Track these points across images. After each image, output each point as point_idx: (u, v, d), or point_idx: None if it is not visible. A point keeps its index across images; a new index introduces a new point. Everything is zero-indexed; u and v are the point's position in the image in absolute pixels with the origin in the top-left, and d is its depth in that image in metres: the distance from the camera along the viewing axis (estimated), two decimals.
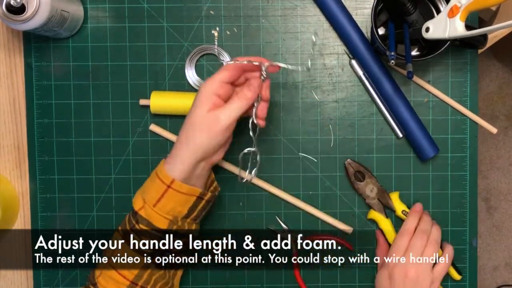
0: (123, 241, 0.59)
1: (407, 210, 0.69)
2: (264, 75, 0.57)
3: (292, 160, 0.70)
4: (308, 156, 0.70)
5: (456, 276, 0.69)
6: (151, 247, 0.59)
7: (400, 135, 0.69)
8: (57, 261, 0.71)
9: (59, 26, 0.64)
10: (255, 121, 0.58)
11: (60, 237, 0.71)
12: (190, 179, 0.58)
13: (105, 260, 0.60)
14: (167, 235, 0.59)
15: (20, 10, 0.59)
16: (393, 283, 0.62)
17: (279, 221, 0.70)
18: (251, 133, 0.58)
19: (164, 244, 0.59)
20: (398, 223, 0.70)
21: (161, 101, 0.67)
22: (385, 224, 0.69)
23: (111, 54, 0.70)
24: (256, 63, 0.57)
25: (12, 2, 0.58)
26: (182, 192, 0.57)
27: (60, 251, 0.71)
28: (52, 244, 0.71)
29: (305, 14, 0.69)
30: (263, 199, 0.70)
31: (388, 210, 0.69)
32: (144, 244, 0.59)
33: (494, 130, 0.70)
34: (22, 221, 0.72)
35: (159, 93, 0.68)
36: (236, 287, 0.71)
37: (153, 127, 0.69)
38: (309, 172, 0.70)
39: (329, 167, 0.70)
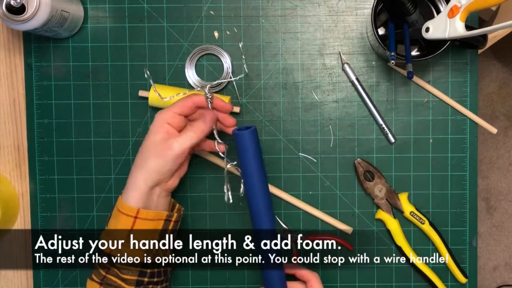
0: (100, 287, 0.59)
1: (415, 211, 0.69)
2: (209, 96, 0.59)
3: (292, 160, 0.70)
4: (308, 156, 0.70)
5: (462, 279, 0.69)
6: (134, 285, 0.59)
7: (393, 140, 0.69)
8: (57, 261, 0.71)
9: (59, 26, 0.64)
10: (216, 149, 0.62)
11: (60, 237, 0.71)
12: (150, 207, 0.59)
13: None
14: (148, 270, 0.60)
15: (20, 10, 0.59)
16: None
17: (279, 221, 0.70)
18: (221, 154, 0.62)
19: (145, 275, 0.60)
20: (405, 223, 0.70)
21: (160, 94, 0.67)
22: (393, 224, 0.69)
23: (111, 54, 0.70)
24: (209, 95, 0.60)
25: (12, 2, 0.58)
26: (150, 219, 0.58)
27: (60, 251, 0.71)
28: (52, 244, 0.71)
29: (305, 14, 0.69)
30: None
31: (396, 211, 0.69)
32: (126, 282, 0.59)
33: (494, 130, 0.71)
34: (22, 221, 0.72)
35: (159, 86, 0.68)
36: (236, 287, 0.71)
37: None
38: (309, 172, 0.70)
39: (329, 167, 0.70)
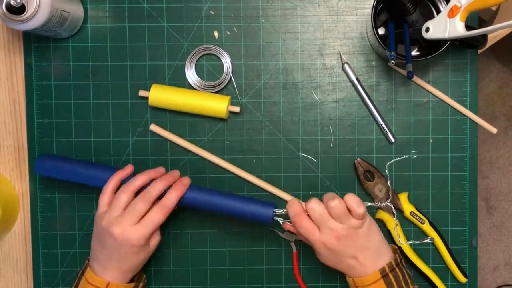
0: None
1: (415, 211, 0.69)
2: None
3: (292, 160, 0.70)
4: (308, 156, 0.70)
5: (462, 279, 0.69)
6: None
7: (393, 140, 0.69)
8: (57, 261, 0.71)
9: (59, 26, 0.64)
10: None
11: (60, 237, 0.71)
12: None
13: None
14: None
15: (20, 10, 0.59)
16: (334, 251, 0.58)
17: (279, 220, 0.70)
18: None
19: None
20: (405, 224, 0.70)
21: (160, 94, 0.67)
22: (393, 224, 0.69)
23: (111, 54, 0.70)
24: None
25: (12, 2, 0.58)
26: None
27: (60, 252, 0.71)
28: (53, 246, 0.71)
29: (305, 14, 0.69)
30: (263, 199, 0.70)
31: (396, 211, 0.69)
32: None
33: (494, 130, 0.71)
34: (22, 221, 0.72)
35: (159, 86, 0.68)
36: (236, 287, 0.71)
37: (153, 127, 0.69)
38: (309, 172, 0.70)
39: (329, 167, 0.70)
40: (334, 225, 0.57)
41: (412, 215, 0.69)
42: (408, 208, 0.69)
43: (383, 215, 0.69)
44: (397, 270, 0.59)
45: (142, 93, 0.68)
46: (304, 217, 0.58)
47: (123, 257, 0.58)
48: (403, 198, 0.69)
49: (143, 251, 0.60)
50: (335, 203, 0.57)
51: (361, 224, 0.58)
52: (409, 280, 0.59)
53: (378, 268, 0.58)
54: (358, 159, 0.69)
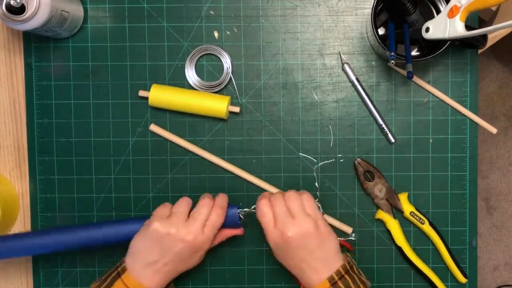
0: None
1: (415, 211, 0.69)
2: None
3: (292, 160, 0.70)
4: (308, 156, 0.70)
5: (462, 279, 0.69)
6: None
7: (393, 140, 0.69)
8: (57, 261, 0.71)
9: (59, 26, 0.64)
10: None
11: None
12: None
13: None
14: None
15: (20, 10, 0.59)
16: (296, 245, 0.59)
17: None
18: None
19: None
20: (405, 224, 0.70)
21: (160, 94, 0.67)
22: (393, 224, 0.69)
23: (111, 54, 0.70)
24: None
25: (12, 2, 0.58)
26: None
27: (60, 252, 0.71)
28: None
29: (305, 14, 0.69)
30: None
31: (396, 211, 0.69)
32: None
33: (494, 130, 0.71)
34: (22, 221, 0.72)
35: (159, 86, 0.68)
36: (236, 287, 0.71)
37: (153, 127, 0.69)
38: (309, 172, 0.70)
39: (329, 167, 0.70)
40: (288, 221, 0.58)
41: (412, 215, 0.69)
42: (408, 208, 0.69)
43: (383, 215, 0.69)
44: (347, 277, 0.58)
45: (142, 93, 0.68)
46: (266, 203, 0.60)
47: (183, 260, 0.61)
48: (403, 198, 0.69)
49: (202, 254, 0.63)
50: (292, 197, 0.59)
51: (313, 226, 0.58)
52: (361, 286, 0.58)
53: (327, 276, 0.58)
54: (358, 159, 0.69)
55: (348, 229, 0.69)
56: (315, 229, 0.58)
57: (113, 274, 0.60)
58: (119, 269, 0.60)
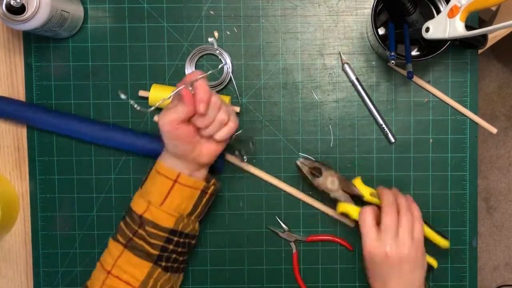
0: (124, 249, 0.58)
1: (374, 191, 0.66)
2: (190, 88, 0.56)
3: (292, 160, 0.70)
4: (308, 156, 0.70)
5: (444, 243, 0.66)
6: (159, 250, 0.58)
7: (393, 140, 0.69)
8: (57, 261, 0.71)
9: (59, 26, 0.64)
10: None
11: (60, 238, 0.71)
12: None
13: (104, 270, 0.59)
14: (174, 237, 0.59)
15: (20, 10, 0.59)
16: (377, 265, 0.58)
17: (279, 221, 0.70)
18: None
19: (171, 242, 0.59)
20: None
21: (160, 94, 0.67)
22: (357, 214, 0.64)
23: (111, 54, 0.70)
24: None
25: (12, 2, 0.58)
26: (189, 185, 0.58)
27: (60, 252, 0.71)
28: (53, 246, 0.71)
29: (305, 14, 0.69)
30: (263, 199, 0.70)
31: (356, 199, 0.66)
32: (152, 246, 0.58)
33: (494, 130, 0.71)
34: (22, 221, 0.72)
35: (159, 86, 0.68)
36: (236, 287, 0.71)
37: (157, 118, 0.69)
38: None
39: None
40: (392, 238, 0.57)
41: (373, 196, 0.65)
42: (366, 190, 0.66)
43: (345, 207, 0.65)
44: None
45: (142, 93, 0.68)
46: (371, 212, 0.60)
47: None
48: (358, 182, 0.66)
49: (164, 134, 0.58)
50: (406, 217, 0.59)
51: (414, 252, 0.58)
52: None
53: None
54: (300, 159, 0.65)
55: (350, 223, 0.69)
56: (415, 254, 0.58)
57: (149, 170, 0.61)
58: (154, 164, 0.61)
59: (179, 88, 0.55)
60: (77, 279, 0.71)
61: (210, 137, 0.59)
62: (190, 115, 0.56)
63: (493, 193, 1.60)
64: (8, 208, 0.69)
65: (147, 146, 0.67)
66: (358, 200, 0.66)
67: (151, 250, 0.58)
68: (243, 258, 0.71)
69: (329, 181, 0.65)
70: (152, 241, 0.58)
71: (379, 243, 0.58)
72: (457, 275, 0.71)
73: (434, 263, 0.66)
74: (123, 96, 0.56)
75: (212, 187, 0.61)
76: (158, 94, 0.67)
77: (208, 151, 0.60)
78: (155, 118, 0.68)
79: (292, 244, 0.70)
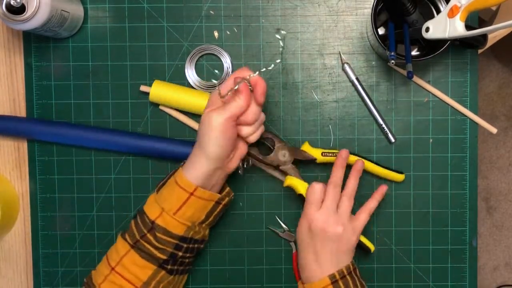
0: (131, 249, 0.58)
1: (325, 150, 0.66)
2: (248, 77, 0.57)
3: None
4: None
5: (398, 177, 0.68)
6: (167, 256, 0.58)
7: (393, 140, 0.69)
8: (57, 261, 0.71)
9: (59, 26, 0.64)
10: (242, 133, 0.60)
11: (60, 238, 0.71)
12: (207, 186, 0.59)
13: (109, 266, 0.59)
14: (184, 244, 0.59)
15: (20, 10, 0.59)
16: (314, 237, 0.61)
17: (279, 221, 0.70)
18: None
19: (180, 249, 0.59)
20: (324, 168, 0.68)
21: (162, 90, 0.67)
22: (303, 188, 0.65)
23: (111, 54, 0.70)
24: (247, 76, 0.58)
25: (12, 2, 0.58)
26: (204, 198, 0.58)
27: (60, 252, 0.71)
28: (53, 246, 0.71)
29: (305, 14, 0.69)
30: (263, 199, 0.70)
31: (304, 176, 0.66)
32: (159, 251, 0.58)
33: (494, 130, 0.71)
34: (22, 221, 0.72)
35: (162, 82, 0.68)
36: (236, 287, 0.71)
37: (162, 107, 0.69)
38: (309, 172, 0.70)
39: (329, 167, 0.70)
40: (333, 212, 0.61)
41: (324, 155, 0.66)
42: (317, 152, 0.66)
43: (292, 181, 0.66)
44: (348, 278, 0.60)
45: (143, 88, 0.68)
46: (321, 187, 0.63)
47: (210, 134, 0.57)
48: (307, 147, 0.66)
49: (220, 132, 0.57)
50: (347, 203, 0.63)
51: (351, 235, 0.61)
52: None
53: (329, 274, 0.59)
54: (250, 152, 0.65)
55: (370, 246, 0.68)
56: (349, 236, 0.61)
57: (170, 174, 0.62)
58: (175, 170, 0.61)
59: (240, 81, 0.56)
60: (77, 279, 0.71)
61: (243, 139, 0.60)
62: (244, 111, 0.57)
63: (493, 193, 1.60)
64: (8, 208, 0.69)
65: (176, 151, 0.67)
66: (311, 168, 0.68)
67: (158, 254, 0.58)
68: (243, 258, 0.71)
69: (281, 154, 0.66)
70: (161, 246, 0.58)
71: (320, 216, 0.61)
72: (457, 275, 0.71)
73: (371, 246, 0.67)
74: None
75: (226, 199, 0.62)
76: (160, 90, 0.67)
77: (238, 155, 0.61)
78: (161, 107, 0.68)
79: (292, 244, 0.70)
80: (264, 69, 0.62)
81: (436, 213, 0.70)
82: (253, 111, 0.58)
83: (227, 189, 0.63)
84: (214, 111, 0.56)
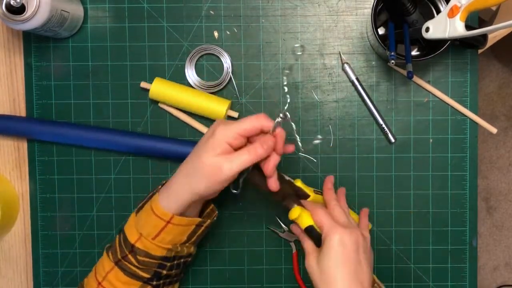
0: (115, 266, 0.57)
1: (317, 189, 0.65)
2: (279, 122, 0.54)
3: (292, 160, 0.70)
4: (308, 156, 0.70)
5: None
6: (151, 274, 0.57)
7: (393, 140, 0.69)
8: (57, 261, 0.71)
9: (59, 26, 0.64)
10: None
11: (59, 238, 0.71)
12: (185, 212, 0.57)
13: (96, 280, 0.58)
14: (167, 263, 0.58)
15: (20, 10, 0.59)
16: (361, 254, 0.55)
17: (279, 221, 0.70)
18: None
19: (164, 267, 0.58)
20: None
21: (162, 88, 0.67)
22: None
23: (111, 54, 0.70)
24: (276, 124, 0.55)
25: (12, 2, 0.58)
26: (182, 224, 0.56)
27: (60, 252, 0.71)
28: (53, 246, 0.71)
29: (305, 14, 0.69)
30: (263, 199, 0.70)
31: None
32: (142, 270, 0.57)
33: (494, 130, 0.71)
34: (22, 221, 0.72)
35: (162, 80, 0.68)
36: (236, 287, 0.71)
37: (162, 105, 0.69)
38: (309, 172, 0.70)
39: (329, 167, 0.70)
40: (356, 229, 0.56)
41: (316, 193, 0.64)
42: (309, 189, 0.64)
43: (300, 211, 0.59)
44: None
45: (143, 84, 0.68)
46: (325, 212, 0.57)
47: (209, 177, 0.53)
48: (300, 183, 0.64)
49: (225, 181, 0.53)
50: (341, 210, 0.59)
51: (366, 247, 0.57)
52: None
53: None
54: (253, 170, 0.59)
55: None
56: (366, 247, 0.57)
57: (150, 194, 0.59)
58: (154, 190, 0.59)
59: (275, 125, 0.53)
60: (77, 279, 0.71)
61: None
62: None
63: (493, 193, 1.60)
64: (8, 208, 0.69)
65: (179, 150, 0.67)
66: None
67: (141, 273, 0.57)
68: (243, 258, 0.71)
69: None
70: (143, 267, 0.57)
71: (352, 229, 0.55)
72: (457, 275, 0.71)
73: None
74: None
75: (208, 221, 0.59)
76: (160, 87, 0.67)
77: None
78: (160, 105, 0.68)
79: (292, 244, 0.70)
80: (281, 117, 0.54)
81: (436, 213, 0.70)
82: (275, 160, 0.55)
83: (211, 206, 0.61)
84: (225, 159, 0.52)
